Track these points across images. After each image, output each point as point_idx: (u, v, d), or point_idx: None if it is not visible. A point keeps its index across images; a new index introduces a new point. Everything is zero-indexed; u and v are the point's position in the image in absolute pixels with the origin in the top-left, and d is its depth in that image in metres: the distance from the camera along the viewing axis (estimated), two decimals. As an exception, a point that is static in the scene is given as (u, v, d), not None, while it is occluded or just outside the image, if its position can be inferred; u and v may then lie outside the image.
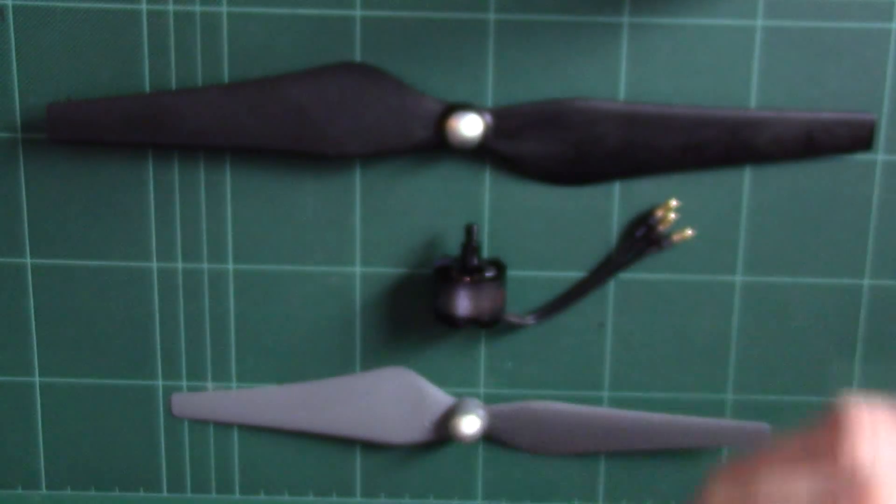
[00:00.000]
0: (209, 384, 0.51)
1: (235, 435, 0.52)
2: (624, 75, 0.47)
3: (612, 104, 0.47)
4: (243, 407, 0.51)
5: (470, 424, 0.48)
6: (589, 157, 0.47)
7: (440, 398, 0.50)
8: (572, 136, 0.47)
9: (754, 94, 0.47)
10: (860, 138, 0.47)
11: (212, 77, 0.47)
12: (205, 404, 0.51)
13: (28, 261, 0.50)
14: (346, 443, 0.52)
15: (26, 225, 0.49)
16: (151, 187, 0.49)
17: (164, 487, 0.53)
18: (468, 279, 0.46)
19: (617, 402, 0.51)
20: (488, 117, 0.46)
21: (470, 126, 0.46)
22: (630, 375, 0.51)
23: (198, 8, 0.46)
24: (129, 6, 0.46)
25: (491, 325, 0.47)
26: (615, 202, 0.49)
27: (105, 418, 0.52)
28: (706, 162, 0.48)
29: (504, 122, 0.47)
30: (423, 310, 0.50)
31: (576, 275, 0.50)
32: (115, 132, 0.47)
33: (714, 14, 0.46)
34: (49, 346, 0.51)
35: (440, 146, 0.46)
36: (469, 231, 0.47)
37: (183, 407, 0.51)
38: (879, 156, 0.48)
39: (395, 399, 0.50)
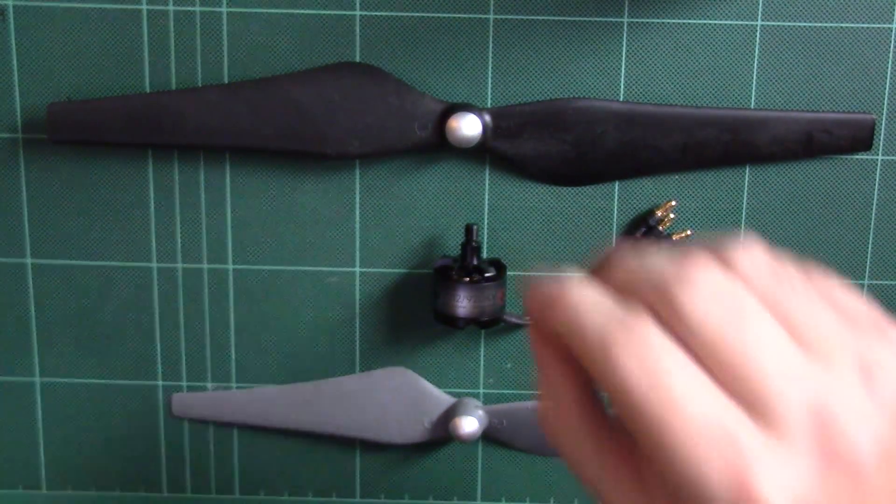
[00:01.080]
0: (209, 384, 0.51)
1: (235, 435, 0.52)
2: (624, 75, 0.47)
3: (612, 104, 0.47)
4: (243, 407, 0.51)
5: (469, 424, 0.48)
6: (588, 157, 0.47)
7: (440, 398, 0.50)
8: (571, 136, 0.47)
9: (754, 94, 0.47)
10: (860, 138, 0.47)
11: (212, 77, 0.47)
12: (205, 404, 0.51)
13: (28, 261, 0.50)
14: (345, 443, 0.52)
15: (26, 225, 0.49)
16: (151, 187, 0.49)
17: (164, 487, 0.53)
18: (468, 279, 0.46)
19: (617, 403, 0.51)
20: (487, 117, 0.46)
21: (469, 126, 0.46)
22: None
23: (198, 8, 0.46)
24: (129, 6, 0.46)
25: (491, 325, 0.47)
26: (615, 202, 0.49)
27: (105, 418, 0.52)
28: (706, 162, 0.47)
29: (503, 122, 0.47)
30: (423, 310, 0.50)
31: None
32: (115, 132, 0.47)
33: (714, 14, 0.46)
34: (49, 346, 0.51)
35: (440, 146, 0.46)
36: (469, 231, 0.47)
37: (183, 407, 0.51)
38: (879, 156, 0.48)
39: (394, 399, 0.50)
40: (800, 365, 0.26)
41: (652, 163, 0.47)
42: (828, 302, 0.28)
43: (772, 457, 0.25)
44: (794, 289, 0.28)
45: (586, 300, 0.27)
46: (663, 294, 0.26)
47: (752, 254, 0.28)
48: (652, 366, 0.26)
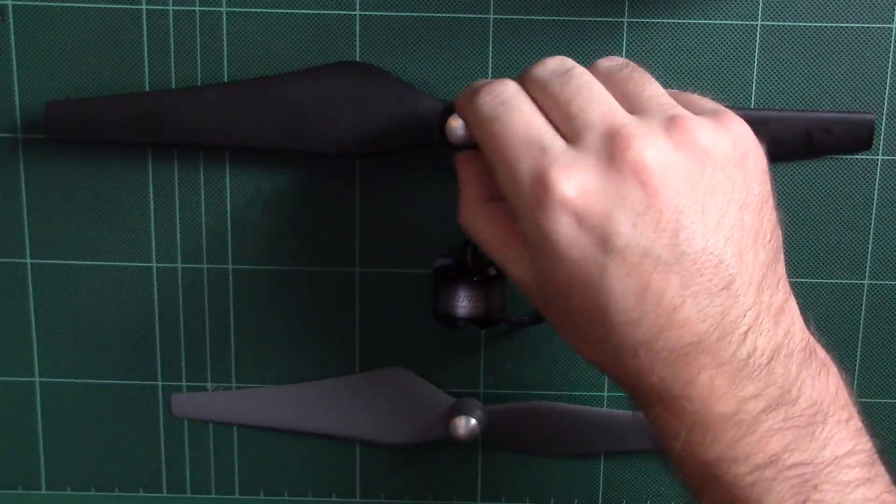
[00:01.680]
0: (209, 384, 0.51)
1: (235, 435, 0.52)
2: (624, 75, 0.47)
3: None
4: (243, 407, 0.51)
5: (469, 424, 0.48)
6: (589, 156, 0.47)
7: (440, 398, 0.50)
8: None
9: (754, 93, 0.47)
10: (860, 138, 0.47)
11: (212, 77, 0.47)
12: (205, 404, 0.51)
13: (28, 261, 0.50)
14: (345, 443, 0.52)
15: (26, 225, 0.49)
16: (151, 187, 0.49)
17: (164, 487, 0.53)
18: (468, 279, 0.46)
19: (617, 402, 0.51)
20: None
21: (469, 125, 0.45)
22: (630, 375, 0.51)
23: (198, 8, 0.46)
24: (129, 6, 0.46)
25: (491, 325, 0.47)
26: (615, 202, 0.49)
27: (105, 418, 0.52)
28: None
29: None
30: (423, 310, 0.50)
31: (576, 275, 0.50)
32: (114, 131, 0.47)
33: (714, 14, 0.46)
34: (49, 346, 0.51)
35: (440, 146, 0.46)
36: (469, 231, 0.47)
37: (183, 407, 0.51)
38: (879, 156, 0.48)
39: (394, 399, 0.50)
40: (609, 106, 0.35)
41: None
42: (672, 96, 0.37)
43: (567, 158, 0.34)
44: (636, 76, 0.37)
45: (481, 83, 0.38)
46: (525, 72, 0.38)
47: (612, 58, 0.39)
48: (497, 98, 0.36)
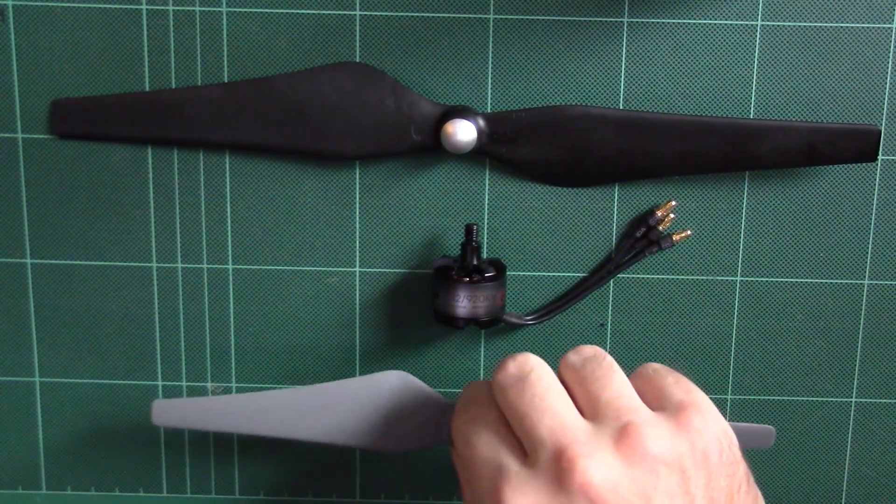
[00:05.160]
0: (209, 384, 0.51)
1: (235, 435, 0.52)
2: (624, 75, 0.47)
3: (607, 111, 0.47)
4: (232, 415, 0.47)
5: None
6: (586, 162, 0.47)
7: (440, 403, 0.49)
8: (568, 141, 0.47)
9: (754, 93, 0.47)
10: (864, 151, 0.46)
11: (211, 77, 0.47)
12: (187, 411, 0.46)
13: (28, 261, 0.50)
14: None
15: (26, 225, 0.49)
16: (151, 187, 0.49)
17: (164, 487, 0.53)
18: (468, 279, 0.46)
19: (617, 403, 0.51)
20: (482, 123, 0.46)
21: (464, 132, 0.45)
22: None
23: (198, 7, 0.46)
24: (129, 6, 0.46)
25: (491, 325, 0.47)
26: (615, 202, 0.49)
27: (105, 418, 0.52)
28: (705, 170, 0.47)
29: (499, 128, 0.47)
30: (423, 310, 0.50)
31: (576, 275, 0.50)
32: (116, 128, 0.47)
33: (714, 14, 0.46)
34: (49, 346, 0.51)
35: (438, 149, 0.46)
36: (469, 231, 0.47)
37: (163, 415, 0.46)
38: (879, 156, 0.48)
39: (393, 406, 0.48)
40: (560, 420, 0.36)
41: (650, 169, 0.47)
42: (642, 381, 0.39)
43: (519, 480, 0.35)
44: (598, 374, 0.38)
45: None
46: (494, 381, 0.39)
47: (581, 349, 0.39)
48: (469, 426, 0.39)
